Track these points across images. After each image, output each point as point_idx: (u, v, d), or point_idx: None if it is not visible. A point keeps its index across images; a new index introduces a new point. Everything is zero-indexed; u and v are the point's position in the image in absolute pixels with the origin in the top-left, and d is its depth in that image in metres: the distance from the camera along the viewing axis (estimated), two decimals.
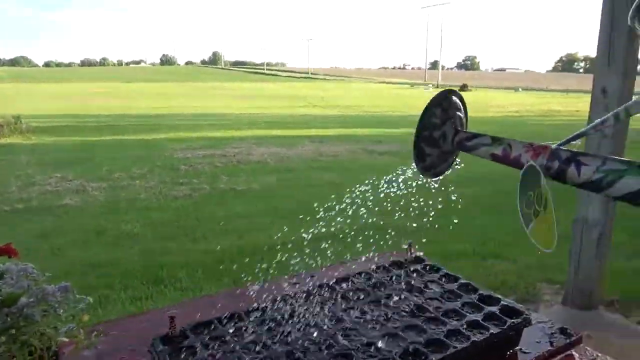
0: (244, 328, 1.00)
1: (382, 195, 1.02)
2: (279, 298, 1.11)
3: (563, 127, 13.69)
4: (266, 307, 1.08)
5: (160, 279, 3.41)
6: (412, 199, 1.01)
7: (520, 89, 44.40)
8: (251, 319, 1.04)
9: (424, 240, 1.41)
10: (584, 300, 2.82)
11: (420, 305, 1.09)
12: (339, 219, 1.09)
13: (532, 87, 48.32)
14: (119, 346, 1.07)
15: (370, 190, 1.05)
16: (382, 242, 1.32)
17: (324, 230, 1.09)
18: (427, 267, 1.31)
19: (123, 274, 3.50)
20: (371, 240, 1.27)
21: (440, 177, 0.89)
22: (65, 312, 0.90)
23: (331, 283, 1.20)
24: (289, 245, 1.20)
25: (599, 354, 1.12)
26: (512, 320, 1.02)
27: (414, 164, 0.85)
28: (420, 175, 0.88)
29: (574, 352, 1.09)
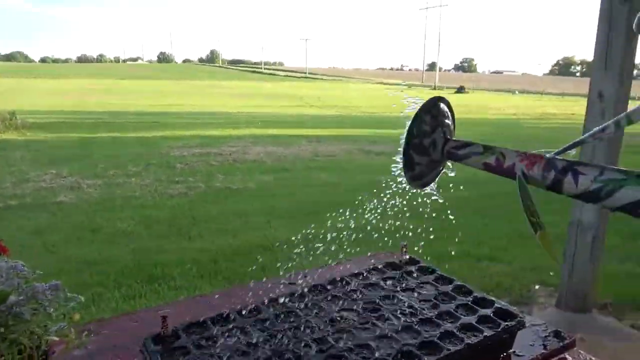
0: (236, 328, 1.00)
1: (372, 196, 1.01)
2: (272, 298, 1.11)
3: (558, 130, 13.76)
4: (259, 307, 1.08)
5: (155, 278, 3.40)
6: (400, 202, 1.00)
7: (517, 92, 44.59)
8: (244, 319, 1.03)
9: (418, 242, 1.41)
10: (578, 303, 2.83)
11: (414, 307, 1.09)
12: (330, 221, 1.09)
13: (529, 90, 48.48)
14: (111, 345, 1.06)
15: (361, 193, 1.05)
16: (372, 245, 1.31)
17: (320, 230, 1.08)
18: (422, 269, 1.31)
19: (117, 271, 3.48)
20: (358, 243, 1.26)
21: (426, 188, 0.87)
22: (55, 310, 0.89)
23: (325, 284, 1.19)
24: (284, 246, 1.19)
25: (592, 357, 1.12)
26: (506, 323, 1.01)
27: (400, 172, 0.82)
28: (408, 186, 0.85)
29: (567, 356, 1.09)
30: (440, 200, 0.92)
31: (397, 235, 1.25)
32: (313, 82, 59.52)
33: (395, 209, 1.01)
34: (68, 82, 39.43)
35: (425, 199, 0.96)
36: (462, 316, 1.05)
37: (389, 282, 1.22)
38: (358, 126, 13.50)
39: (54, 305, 0.88)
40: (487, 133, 11.90)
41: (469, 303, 1.11)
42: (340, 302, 1.11)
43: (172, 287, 3.27)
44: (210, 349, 0.92)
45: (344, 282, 1.21)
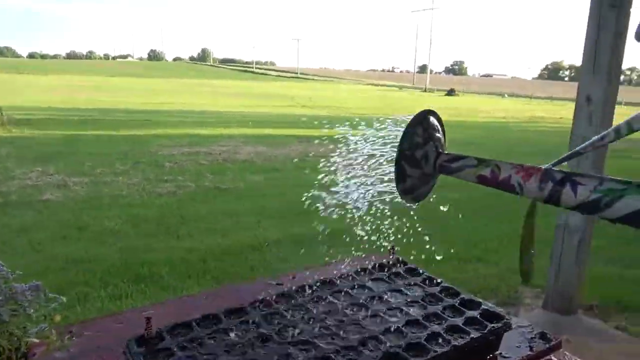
0: (222, 330, 0.99)
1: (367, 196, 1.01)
2: (259, 299, 1.10)
3: (547, 134, 13.91)
4: (246, 308, 1.07)
5: (142, 277, 3.36)
6: (395, 203, 1.00)
7: (506, 95, 45.03)
8: (230, 320, 1.02)
9: (406, 243, 1.40)
10: (564, 304, 2.86)
11: (401, 309, 1.08)
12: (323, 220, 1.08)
13: (518, 94, 49.02)
14: (94, 347, 1.04)
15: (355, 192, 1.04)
16: (363, 246, 1.31)
17: (311, 230, 1.07)
18: (409, 270, 1.30)
19: (104, 271, 3.44)
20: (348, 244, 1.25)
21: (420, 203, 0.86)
22: (36, 311, 0.87)
23: (312, 285, 1.18)
24: (274, 245, 1.18)
25: (578, 359, 1.13)
26: (493, 325, 1.02)
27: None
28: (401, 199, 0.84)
29: (553, 357, 1.09)
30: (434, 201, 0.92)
31: (384, 236, 1.25)
32: (304, 82, 59.50)
33: (384, 210, 1.01)
34: (56, 79, 38.95)
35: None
36: (449, 318, 1.05)
37: (376, 283, 1.22)
38: (349, 127, 13.49)
39: (34, 306, 0.86)
40: (477, 136, 11.98)
41: (456, 304, 1.11)
42: (328, 303, 1.11)
43: (160, 286, 3.24)
44: (195, 350, 0.91)
45: (331, 283, 1.21)
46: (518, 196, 0.69)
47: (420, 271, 1.29)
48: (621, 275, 3.65)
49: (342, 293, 1.16)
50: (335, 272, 1.27)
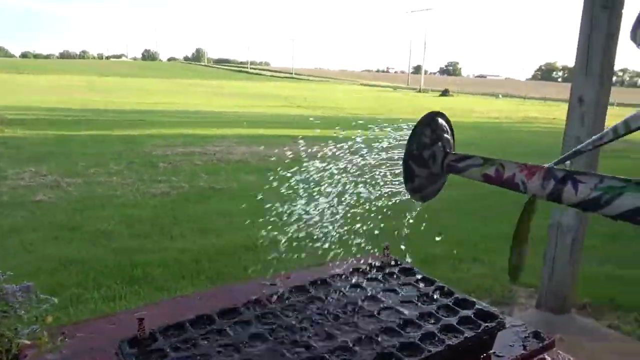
0: (216, 330, 0.98)
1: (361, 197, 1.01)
2: (253, 300, 1.09)
3: (540, 134, 14.00)
4: (240, 308, 1.06)
5: (136, 278, 3.34)
6: (390, 203, 1.00)
7: (500, 96, 45.28)
8: (224, 321, 1.02)
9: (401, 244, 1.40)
10: (557, 303, 2.87)
11: (395, 309, 1.08)
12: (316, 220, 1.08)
13: (512, 95, 49.30)
14: (87, 349, 1.03)
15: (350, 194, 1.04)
16: (358, 247, 1.31)
17: (302, 232, 1.07)
18: (404, 270, 1.30)
19: (97, 272, 3.41)
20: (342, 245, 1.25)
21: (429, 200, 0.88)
22: (27, 313, 0.86)
23: (306, 285, 1.18)
24: (269, 246, 1.17)
25: (571, 358, 1.13)
26: (487, 324, 1.02)
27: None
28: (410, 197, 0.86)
29: (546, 356, 1.10)
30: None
31: (379, 236, 1.25)
32: (299, 82, 59.49)
33: (379, 207, 1.01)
34: (50, 78, 38.67)
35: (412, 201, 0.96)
36: (443, 317, 1.05)
37: (371, 283, 1.22)
38: (344, 127, 13.50)
39: (25, 307, 0.85)
40: (471, 136, 12.02)
41: (450, 304, 1.11)
42: (322, 303, 1.11)
43: (153, 287, 3.22)
44: (188, 351, 0.90)
45: (325, 284, 1.20)
46: (524, 195, 0.71)
47: (415, 271, 1.30)
48: (614, 275, 3.67)
49: (336, 293, 1.16)
50: (329, 272, 1.26)
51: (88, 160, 7.27)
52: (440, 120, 0.85)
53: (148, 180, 6.30)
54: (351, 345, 0.93)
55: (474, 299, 1.13)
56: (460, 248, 4.11)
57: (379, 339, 0.96)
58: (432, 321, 1.04)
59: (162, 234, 4.32)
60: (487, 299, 3.07)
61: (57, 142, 8.97)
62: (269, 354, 0.90)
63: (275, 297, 1.11)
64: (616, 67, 2.79)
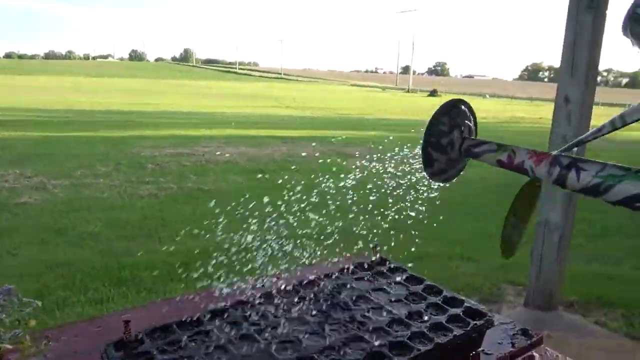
0: (203, 332, 0.97)
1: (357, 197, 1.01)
2: (240, 301, 1.08)
3: (527, 133, 14.16)
4: (227, 310, 1.05)
5: (123, 281, 3.30)
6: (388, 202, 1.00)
7: (487, 96, 45.73)
8: (211, 322, 1.00)
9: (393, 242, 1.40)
10: (545, 301, 2.90)
11: (384, 308, 1.08)
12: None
13: (499, 95, 49.84)
14: (71, 352, 1.01)
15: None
16: (352, 246, 1.31)
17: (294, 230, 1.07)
18: (392, 269, 1.30)
19: (83, 274, 3.36)
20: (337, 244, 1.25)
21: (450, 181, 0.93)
22: (9, 316, 0.84)
23: (295, 285, 1.17)
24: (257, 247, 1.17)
25: (559, 354, 1.14)
26: (475, 322, 1.02)
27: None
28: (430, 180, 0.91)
29: (534, 353, 1.10)
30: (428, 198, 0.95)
31: (370, 235, 1.25)
32: (288, 83, 59.43)
33: (373, 205, 1.01)
34: (35, 79, 38.08)
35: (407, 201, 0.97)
36: (432, 316, 1.05)
37: (360, 282, 1.22)
38: (332, 128, 13.52)
39: (6, 311, 0.83)
40: None
41: (439, 302, 1.11)
42: (310, 303, 1.10)
43: (141, 289, 3.19)
44: (175, 353, 0.89)
45: (314, 284, 1.20)
46: (509, 195, 0.74)
47: (404, 269, 1.30)
48: (601, 272, 3.72)
49: (325, 293, 1.15)
50: (318, 273, 1.26)
51: (74, 162, 7.17)
52: (463, 107, 0.89)
53: (136, 181, 6.23)
54: (340, 344, 0.92)
55: (463, 297, 1.14)
56: (453, 247, 4.14)
57: (368, 338, 0.95)
58: (421, 320, 1.04)
59: (150, 236, 4.28)
60: (476, 296, 3.09)
61: (43, 144, 8.84)
62: (258, 355, 0.89)
63: (263, 297, 1.10)
64: (600, 67, 2.83)
